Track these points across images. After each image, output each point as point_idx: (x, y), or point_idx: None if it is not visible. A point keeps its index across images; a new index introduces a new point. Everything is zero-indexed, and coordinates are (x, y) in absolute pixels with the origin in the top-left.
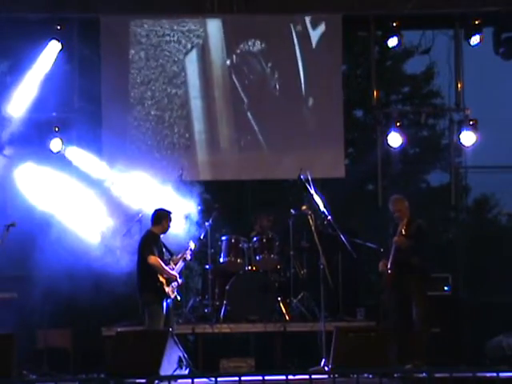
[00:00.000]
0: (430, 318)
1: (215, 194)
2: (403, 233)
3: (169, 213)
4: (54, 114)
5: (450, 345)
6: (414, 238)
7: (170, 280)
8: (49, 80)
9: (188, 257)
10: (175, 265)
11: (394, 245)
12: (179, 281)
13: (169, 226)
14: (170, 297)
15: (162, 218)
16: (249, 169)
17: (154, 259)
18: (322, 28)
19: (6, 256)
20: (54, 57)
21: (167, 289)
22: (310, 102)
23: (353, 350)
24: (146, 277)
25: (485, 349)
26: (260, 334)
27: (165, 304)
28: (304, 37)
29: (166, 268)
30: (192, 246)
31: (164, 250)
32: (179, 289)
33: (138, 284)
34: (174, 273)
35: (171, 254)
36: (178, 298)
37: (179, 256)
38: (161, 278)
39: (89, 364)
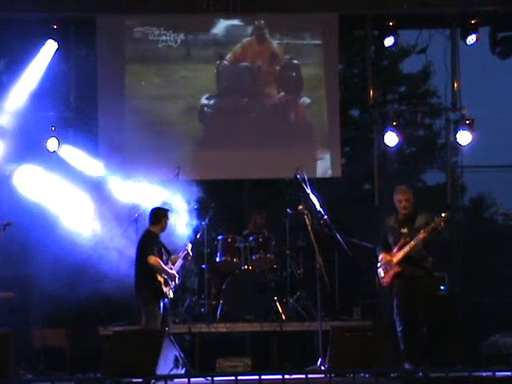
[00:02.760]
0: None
1: (211, 193)
2: (429, 229)
3: (167, 211)
4: (51, 113)
5: (445, 344)
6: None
7: (167, 280)
8: (45, 79)
9: (189, 258)
10: (173, 264)
11: (412, 240)
12: (177, 280)
13: (167, 225)
14: (167, 297)
15: (160, 216)
16: (245, 168)
17: (154, 259)
18: (318, 27)
19: (2, 255)
20: (51, 56)
21: (165, 289)
22: (307, 101)
23: (349, 349)
24: (145, 276)
25: (481, 348)
26: (256, 334)
27: (162, 304)
28: (300, 36)
29: (166, 268)
30: (189, 247)
31: (163, 249)
32: (175, 288)
33: (135, 283)
34: (173, 272)
35: (169, 254)
36: (172, 295)
37: (178, 255)
38: (159, 278)
39: (85, 363)
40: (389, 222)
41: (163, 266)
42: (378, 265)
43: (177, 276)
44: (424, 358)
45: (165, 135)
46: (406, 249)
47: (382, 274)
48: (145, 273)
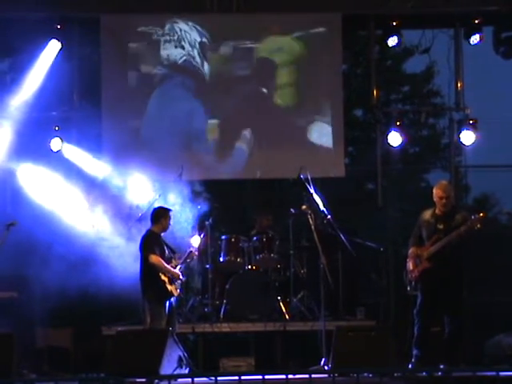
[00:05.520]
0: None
1: (215, 192)
2: (465, 227)
3: (168, 211)
4: (54, 113)
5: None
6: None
7: (172, 278)
8: (49, 79)
9: (195, 254)
10: (177, 263)
11: (446, 237)
12: (182, 278)
13: (169, 224)
14: (173, 295)
15: (161, 216)
16: (249, 168)
17: (155, 258)
18: (321, 27)
19: (7, 255)
20: (54, 56)
21: (170, 287)
22: (310, 101)
23: (353, 349)
24: (148, 276)
25: (484, 348)
26: (260, 334)
27: (168, 303)
28: (304, 36)
29: (168, 266)
30: (196, 242)
31: (166, 248)
32: (181, 286)
33: (140, 284)
34: (176, 271)
35: (173, 252)
36: (178, 293)
37: (183, 254)
38: (163, 277)
39: (89, 363)
40: (425, 216)
41: (165, 264)
42: (408, 258)
43: (180, 274)
44: (435, 359)
45: (169, 135)
46: (439, 245)
47: (411, 268)
48: (148, 273)
